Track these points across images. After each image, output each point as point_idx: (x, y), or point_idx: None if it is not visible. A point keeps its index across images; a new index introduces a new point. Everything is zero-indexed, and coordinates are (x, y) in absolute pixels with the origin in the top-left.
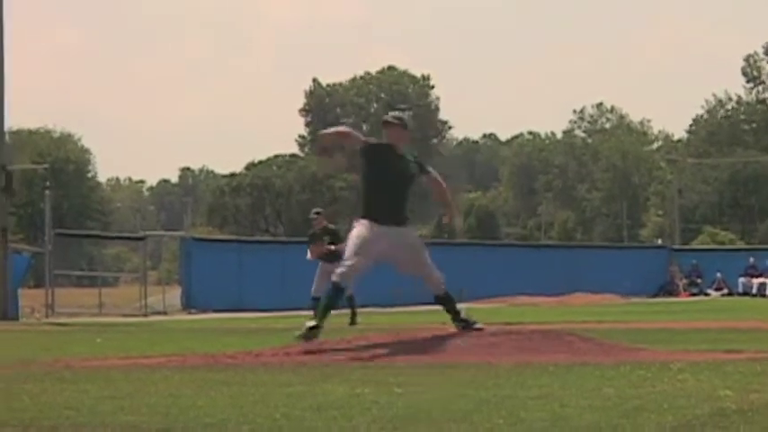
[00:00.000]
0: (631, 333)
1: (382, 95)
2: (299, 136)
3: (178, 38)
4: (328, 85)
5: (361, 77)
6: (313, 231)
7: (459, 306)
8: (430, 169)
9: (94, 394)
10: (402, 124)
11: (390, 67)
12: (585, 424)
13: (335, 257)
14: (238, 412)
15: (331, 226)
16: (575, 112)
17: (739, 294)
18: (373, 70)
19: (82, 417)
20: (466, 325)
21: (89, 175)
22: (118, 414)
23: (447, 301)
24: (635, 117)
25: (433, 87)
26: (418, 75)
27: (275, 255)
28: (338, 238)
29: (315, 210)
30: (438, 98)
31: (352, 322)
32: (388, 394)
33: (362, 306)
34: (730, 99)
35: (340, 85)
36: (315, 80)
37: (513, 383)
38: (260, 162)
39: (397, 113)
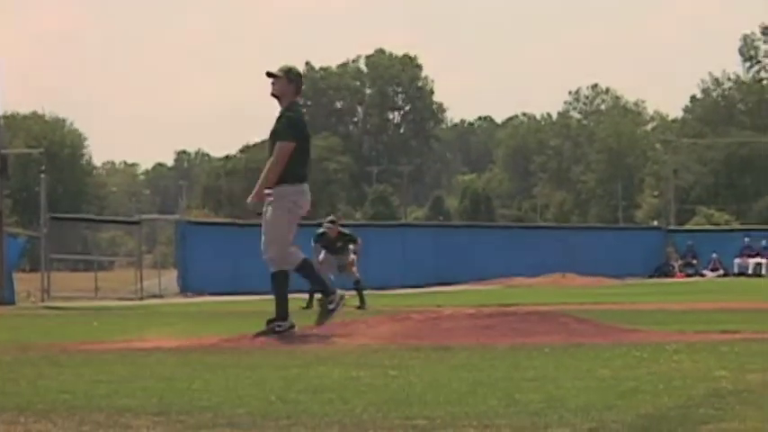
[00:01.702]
0: (627, 314)
1: (375, 79)
2: None
3: (173, 21)
4: (322, 69)
5: (354, 61)
6: (323, 232)
7: None
8: (284, 138)
9: (90, 378)
10: (286, 77)
11: (380, 50)
12: (581, 405)
13: (340, 250)
14: (234, 395)
15: (344, 230)
16: (570, 93)
17: (735, 275)
18: (364, 53)
19: (77, 400)
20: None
21: (84, 159)
22: (113, 398)
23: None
24: (630, 98)
25: (419, 67)
26: (408, 56)
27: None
28: (352, 239)
29: (329, 219)
30: (433, 81)
31: (361, 306)
32: (383, 377)
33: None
34: (729, 78)
35: (336, 68)
36: (308, 63)
37: (507, 365)
38: (254, 145)
39: (286, 65)
